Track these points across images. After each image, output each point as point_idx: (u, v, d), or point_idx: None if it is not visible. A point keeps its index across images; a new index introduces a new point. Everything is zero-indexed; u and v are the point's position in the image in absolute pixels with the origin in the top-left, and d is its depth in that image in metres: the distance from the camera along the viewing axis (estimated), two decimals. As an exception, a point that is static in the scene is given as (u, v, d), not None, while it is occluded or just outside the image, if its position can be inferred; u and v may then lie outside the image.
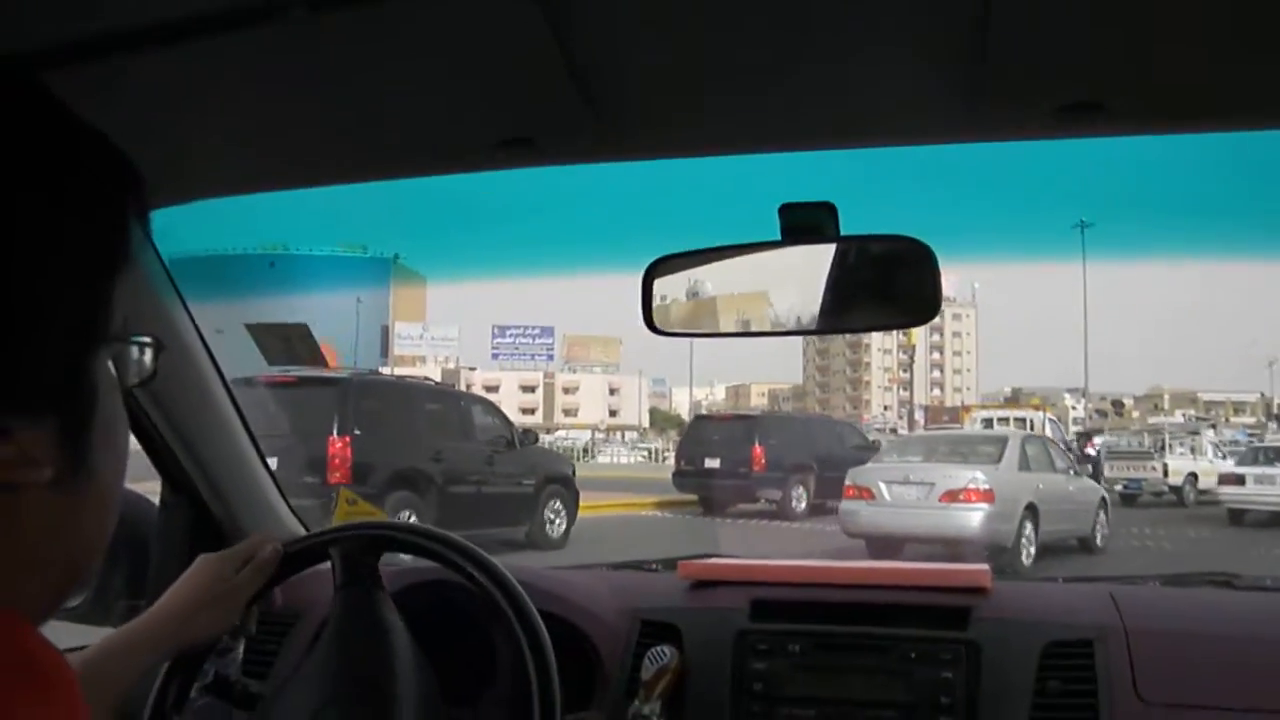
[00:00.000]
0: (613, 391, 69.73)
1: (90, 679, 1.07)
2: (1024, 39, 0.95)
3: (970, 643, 1.42)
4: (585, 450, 33.39)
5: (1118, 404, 53.49)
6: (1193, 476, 18.94)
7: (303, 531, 1.73)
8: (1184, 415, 43.25)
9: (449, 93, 1.08)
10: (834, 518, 12.34)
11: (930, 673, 1.41)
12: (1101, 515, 12.35)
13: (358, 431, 10.13)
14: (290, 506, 1.79)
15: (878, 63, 1.03)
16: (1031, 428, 22.89)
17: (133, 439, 0.87)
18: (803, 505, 15.32)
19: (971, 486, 10.81)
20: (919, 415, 43.69)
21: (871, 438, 21.19)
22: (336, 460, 9.79)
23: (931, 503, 10.86)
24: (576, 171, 1.31)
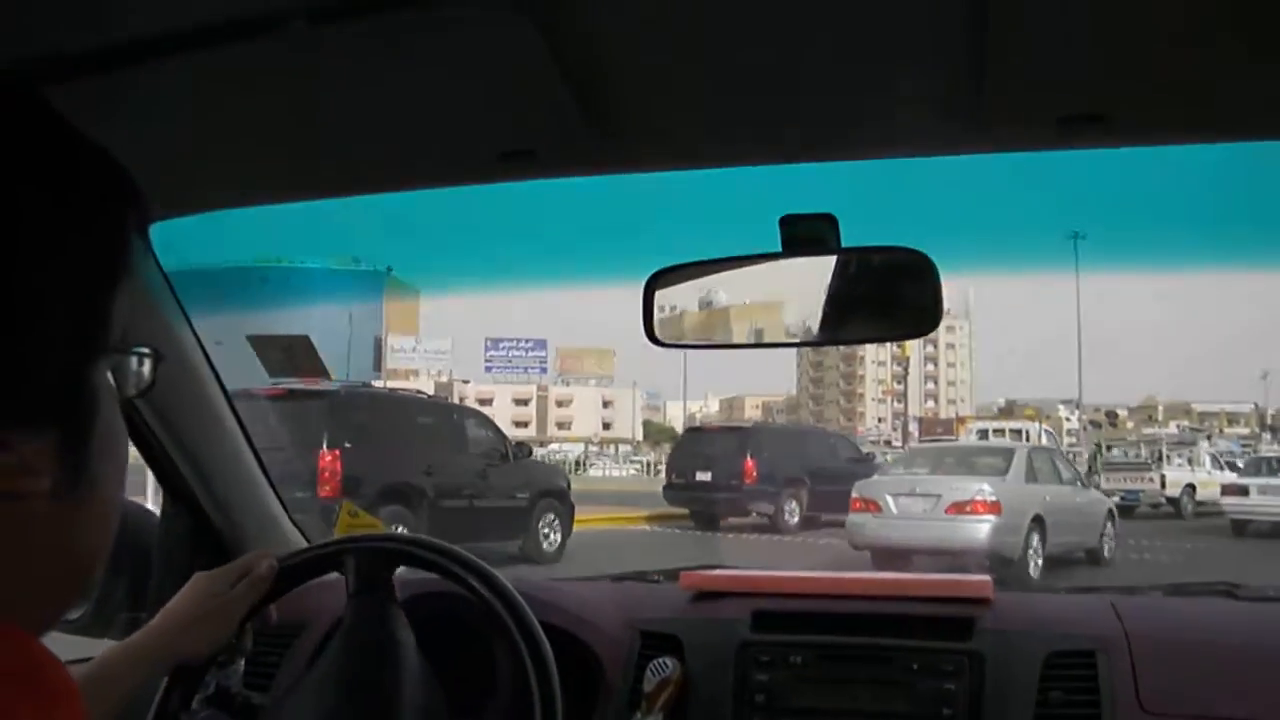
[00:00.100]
0: (606, 404, 69.56)
1: (90, 692, 1.06)
2: (1025, 52, 0.95)
3: (973, 653, 1.42)
4: (578, 463, 33.26)
5: (1111, 415, 53.56)
6: (1190, 488, 18.86)
7: (304, 543, 1.72)
8: (1178, 426, 43.29)
9: (450, 106, 1.08)
10: (827, 531, 12.28)
11: (933, 684, 1.41)
12: (1109, 527, 12.32)
13: (348, 445, 10.05)
14: (291, 518, 1.79)
15: (879, 75, 1.04)
16: (1027, 439, 22.93)
17: (132, 449, 0.87)
18: (795, 518, 15.26)
19: (978, 498, 10.80)
20: (913, 427, 43.64)
21: (865, 450, 21.20)
22: (326, 474, 9.71)
23: (938, 515, 10.83)
24: (572, 183, 1.31)
